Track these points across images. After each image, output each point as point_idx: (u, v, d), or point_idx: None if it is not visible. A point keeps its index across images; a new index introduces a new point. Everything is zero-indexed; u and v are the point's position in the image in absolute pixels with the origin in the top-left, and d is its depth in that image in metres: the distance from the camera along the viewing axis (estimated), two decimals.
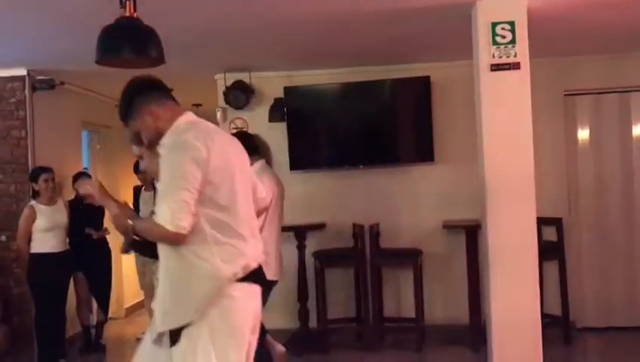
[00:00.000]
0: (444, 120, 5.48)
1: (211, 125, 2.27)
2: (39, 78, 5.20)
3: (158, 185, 2.12)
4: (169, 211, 2.00)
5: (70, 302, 5.23)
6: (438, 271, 5.46)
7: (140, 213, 5.95)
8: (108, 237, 5.59)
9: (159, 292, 2.18)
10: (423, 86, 5.44)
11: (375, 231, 5.11)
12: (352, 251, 5.31)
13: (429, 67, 5.45)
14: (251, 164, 3.81)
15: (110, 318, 5.79)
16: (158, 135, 2.20)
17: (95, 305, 5.58)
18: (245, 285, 2.13)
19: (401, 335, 5.25)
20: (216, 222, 2.09)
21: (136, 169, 5.95)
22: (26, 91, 5.14)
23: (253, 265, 2.16)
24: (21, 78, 5.13)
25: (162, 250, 2.15)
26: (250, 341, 2.18)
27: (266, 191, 2.64)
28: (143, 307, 6.28)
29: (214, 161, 2.08)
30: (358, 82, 5.53)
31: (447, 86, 5.47)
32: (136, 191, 6.10)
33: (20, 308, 5.00)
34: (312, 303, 5.23)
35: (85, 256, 5.26)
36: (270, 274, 3.68)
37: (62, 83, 5.39)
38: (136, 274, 5.98)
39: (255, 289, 2.19)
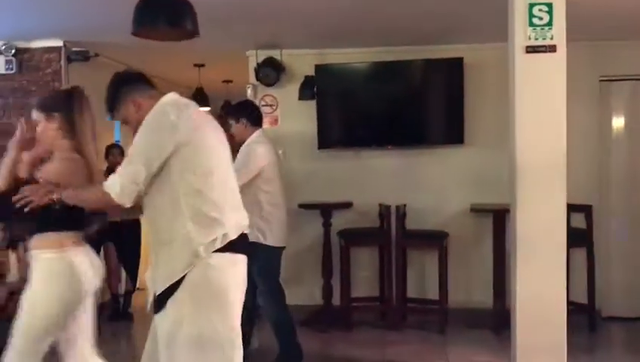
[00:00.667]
0: (476, 102, 5.43)
1: (192, 102, 2.37)
2: (74, 49, 5.27)
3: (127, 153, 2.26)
4: (120, 184, 2.16)
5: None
6: (463, 254, 5.46)
7: None
8: (136, 208, 5.69)
9: (150, 259, 2.31)
10: (455, 67, 5.39)
11: (401, 212, 5.11)
12: (377, 231, 5.32)
13: (462, 48, 5.39)
14: (252, 133, 3.96)
15: (137, 289, 5.91)
16: (139, 123, 2.27)
17: (124, 275, 5.70)
18: (225, 255, 2.19)
19: (424, 317, 5.26)
20: (192, 192, 2.17)
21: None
22: (62, 62, 5.22)
23: (232, 236, 2.21)
24: (57, 49, 5.20)
25: (147, 220, 2.30)
26: (235, 306, 2.23)
27: (258, 160, 2.65)
28: None
29: (189, 133, 2.17)
30: (389, 62, 5.49)
31: (480, 68, 5.40)
32: None
33: None
34: (335, 281, 5.27)
35: (114, 226, 5.38)
36: (272, 241, 3.77)
37: (96, 55, 5.46)
38: None
39: (237, 258, 2.24)
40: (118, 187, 2.16)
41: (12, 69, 5.15)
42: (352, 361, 4.27)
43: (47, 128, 2.62)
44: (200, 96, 7.02)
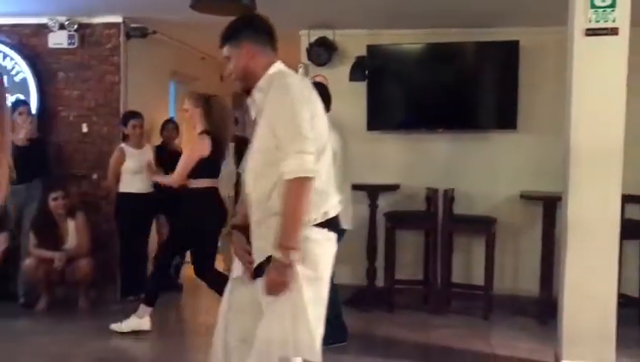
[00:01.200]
0: (531, 87, 5.31)
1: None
2: (133, 25, 5.42)
3: (279, 131, 2.11)
4: (296, 161, 2.06)
5: (152, 241, 5.55)
6: (511, 241, 5.39)
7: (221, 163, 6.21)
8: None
9: (252, 228, 2.26)
10: (510, 50, 5.27)
11: (449, 196, 5.08)
12: (424, 214, 5.30)
13: (518, 31, 5.26)
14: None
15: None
16: (245, 75, 2.26)
17: None
18: (323, 230, 2.19)
19: (469, 302, 5.24)
20: None
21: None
22: (121, 38, 5.36)
23: (332, 213, 2.22)
24: (117, 25, 5.35)
25: (254, 191, 2.21)
26: (322, 281, 2.22)
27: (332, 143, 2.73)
28: (218, 252, 6.55)
29: (311, 106, 2.17)
30: (442, 43, 5.42)
31: (536, 51, 5.27)
32: None
33: (106, 243, 5.32)
34: (380, 262, 5.30)
35: (167, 199, 5.54)
36: (345, 223, 3.80)
37: (154, 32, 5.59)
38: None
39: (331, 236, 2.25)
40: (304, 164, 2.07)
41: (74, 44, 5.33)
42: (395, 342, 4.29)
43: None
44: None
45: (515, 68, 5.28)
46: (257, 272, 2.18)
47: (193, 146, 4.33)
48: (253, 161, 2.23)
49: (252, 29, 2.29)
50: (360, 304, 5.10)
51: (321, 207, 2.17)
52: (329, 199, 2.22)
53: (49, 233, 4.85)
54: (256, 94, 2.25)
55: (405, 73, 5.52)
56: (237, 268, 2.32)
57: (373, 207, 5.26)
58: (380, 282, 5.29)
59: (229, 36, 2.30)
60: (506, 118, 5.36)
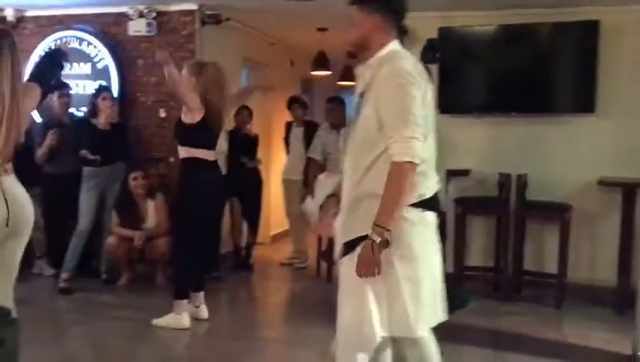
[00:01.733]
0: (611, 69, 5.08)
1: None
2: (208, 12, 5.56)
3: (387, 114, 2.13)
4: (405, 145, 2.09)
5: (225, 223, 5.74)
6: (587, 228, 5.20)
7: (290, 147, 6.33)
8: (260, 167, 6.00)
9: (344, 206, 2.30)
10: (589, 31, 5.06)
11: (522, 182, 4.96)
12: (495, 200, 5.21)
13: (598, 10, 5.04)
14: None
15: (258, 243, 6.25)
16: (361, 44, 2.27)
17: (246, 229, 6.04)
18: (417, 210, 2.20)
19: (541, 290, 5.12)
20: None
21: (290, 105, 6.27)
22: (196, 25, 5.52)
23: (428, 194, 2.24)
24: (192, 13, 5.50)
25: (351, 171, 2.26)
26: (420, 262, 2.21)
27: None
28: (287, 236, 6.70)
29: (421, 91, 2.16)
30: (517, 25, 5.27)
31: (619, 32, 5.03)
32: (288, 127, 6.45)
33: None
34: (449, 248, 5.25)
35: (240, 182, 5.70)
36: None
37: (227, 19, 5.72)
38: (284, 205, 6.39)
39: (427, 216, 2.24)
40: (412, 150, 2.10)
41: (152, 32, 5.54)
42: (464, 329, 4.26)
43: None
44: (321, 60, 7.16)
45: (594, 49, 5.06)
46: (346, 250, 2.23)
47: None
48: (354, 138, 2.26)
49: (386, 3, 2.28)
50: None
51: (418, 188, 2.19)
52: (427, 180, 2.23)
53: (130, 213, 5.10)
54: (366, 71, 2.25)
55: (478, 56, 5.40)
56: (338, 247, 2.35)
57: (443, 193, 5.21)
58: (449, 268, 5.24)
59: (363, 0, 2.28)
60: (583, 102, 5.16)
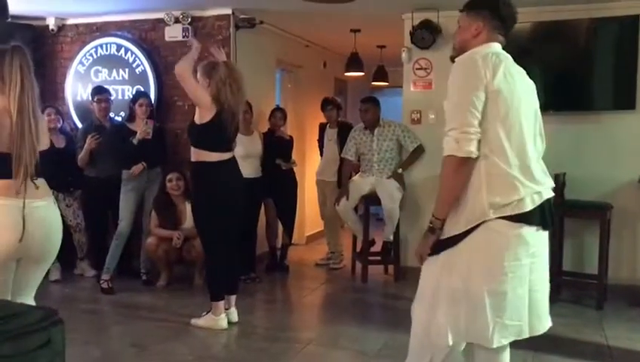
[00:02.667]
0: None
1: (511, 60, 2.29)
2: (242, 17, 5.63)
3: (445, 107, 2.22)
4: (454, 139, 2.13)
5: (261, 224, 5.79)
6: (628, 228, 5.08)
7: (324, 149, 6.35)
8: (295, 168, 6.03)
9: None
10: (629, 26, 4.94)
11: (561, 181, 4.87)
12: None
13: (638, 5, 4.92)
14: None
15: (293, 243, 6.29)
16: (461, 48, 2.31)
17: (281, 229, 6.09)
18: (508, 223, 2.12)
19: (580, 291, 5.02)
20: (495, 149, 2.14)
21: (324, 107, 6.30)
22: (231, 29, 5.59)
23: (529, 204, 2.13)
24: (226, 17, 5.58)
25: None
26: (519, 276, 2.16)
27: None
28: (322, 237, 6.73)
29: (497, 86, 2.13)
30: (553, 21, 5.17)
31: None
32: (322, 128, 6.48)
33: None
34: None
35: (275, 183, 5.75)
36: None
37: (261, 22, 5.78)
38: (318, 206, 6.42)
39: (524, 230, 2.14)
40: (458, 143, 2.13)
41: (188, 36, 5.63)
42: None
43: None
44: (355, 61, 7.16)
45: (634, 45, 4.94)
46: (436, 248, 2.27)
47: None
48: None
49: (492, 11, 2.29)
50: None
51: (509, 196, 2.11)
52: (523, 188, 2.13)
53: (168, 214, 5.19)
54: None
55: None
56: None
57: None
58: None
59: (470, 7, 2.33)
60: (623, 98, 5.04)
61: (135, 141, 5.04)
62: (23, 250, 2.54)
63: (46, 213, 2.61)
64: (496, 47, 2.28)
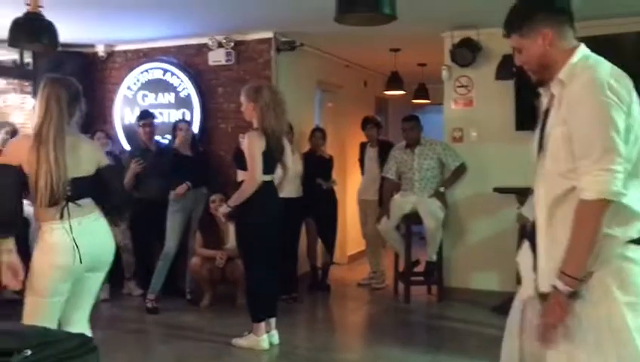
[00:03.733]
0: None
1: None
2: (283, 39, 5.73)
3: (580, 138, 1.79)
4: (601, 180, 1.74)
5: (302, 244, 5.82)
6: None
7: (365, 168, 6.36)
8: (335, 188, 6.06)
9: (540, 242, 1.95)
10: None
11: None
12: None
13: None
14: None
15: (334, 263, 6.29)
16: (543, 65, 1.94)
17: (322, 249, 6.10)
18: None
19: None
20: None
21: (364, 126, 6.32)
22: (272, 52, 5.70)
23: None
24: (268, 41, 5.69)
25: (540, 194, 1.96)
26: None
27: None
28: (364, 256, 6.71)
29: (626, 107, 1.78)
30: (601, 35, 5.02)
31: None
32: (362, 148, 6.50)
33: None
34: None
35: (316, 203, 5.78)
36: None
37: (301, 44, 5.87)
38: (359, 225, 6.41)
39: None
40: (610, 185, 1.75)
41: (231, 60, 5.76)
42: None
43: None
44: (395, 80, 7.18)
45: None
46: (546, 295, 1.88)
47: (248, 145, 3.98)
48: (544, 165, 1.95)
49: (548, 9, 1.93)
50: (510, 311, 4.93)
51: (630, 225, 1.81)
52: None
53: (212, 234, 5.28)
54: (555, 87, 1.91)
55: None
56: (529, 286, 2.02)
57: None
58: None
59: (519, 24, 1.95)
60: None
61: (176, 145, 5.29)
62: (77, 266, 2.67)
63: (94, 225, 2.74)
64: (583, 47, 1.93)
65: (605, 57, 5.15)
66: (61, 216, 2.64)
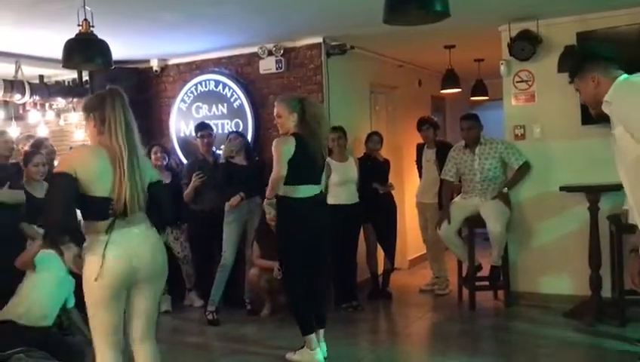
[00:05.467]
0: None
1: None
2: (333, 44, 5.64)
3: (630, 123, 2.36)
4: None
5: (361, 250, 5.70)
6: None
7: (423, 170, 6.18)
8: (393, 192, 5.91)
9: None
10: None
11: None
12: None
13: None
14: None
15: (395, 268, 6.13)
16: (595, 102, 2.53)
17: (382, 255, 5.96)
18: None
19: None
20: None
21: (420, 127, 6.14)
22: (322, 57, 5.61)
23: None
24: (317, 46, 5.61)
25: (631, 201, 2.52)
26: None
27: None
28: (425, 260, 6.52)
29: None
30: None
31: None
32: (419, 149, 6.31)
33: None
34: (605, 271, 4.78)
35: (373, 208, 5.65)
36: None
37: (352, 47, 5.76)
38: (419, 229, 6.23)
39: None
40: None
41: (281, 68, 5.72)
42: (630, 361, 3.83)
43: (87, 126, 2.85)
44: (451, 78, 6.96)
45: None
46: None
47: (275, 148, 3.93)
48: (625, 176, 2.47)
49: (591, 60, 2.57)
50: (584, 317, 4.65)
51: None
52: None
53: (268, 244, 5.23)
54: (605, 108, 2.48)
55: (625, 58, 4.88)
56: None
57: (594, 210, 4.77)
58: (606, 292, 4.78)
59: (574, 72, 2.62)
60: None
61: (222, 160, 5.24)
62: (129, 276, 2.65)
63: (145, 235, 2.72)
64: (622, 73, 2.50)
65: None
66: (110, 229, 2.63)
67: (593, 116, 2.60)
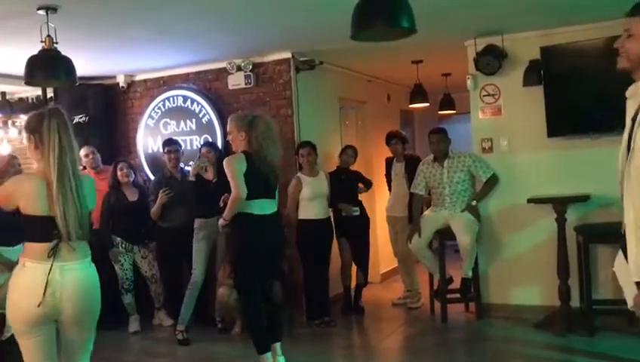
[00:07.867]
0: None
1: None
2: (302, 59, 5.65)
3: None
4: None
5: (334, 265, 5.66)
6: None
7: (392, 184, 6.20)
8: (363, 208, 5.89)
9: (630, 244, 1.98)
10: None
11: None
12: (621, 226, 4.74)
13: None
14: None
15: (368, 283, 6.11)
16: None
17: (354, 269, 5.93)
18: None
19: None
20: None
21: (389, 141, 6.17)
22: (291, 72, 5.61)
23: None
24: (286, 61, 5.61)
25: (628, 201, 2.00)
26: None
27: None
28: (397, 274, 6.53)
29: None
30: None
31: None
32: (389, 163, 6.34)
33: (290, 267, 5.51)
34: (573, 281, 4.85)
35: (346, 223, 5.64)
36: None
37: (321, 63, 5.78)
38: (390, 242, 6.24)
39: None
40: None
41: (250, 83, 5.70)
42: None
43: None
44: (419, 92, 7.02)
45: None
46: None
47: (227, 166, 3.92)
48: (630, 172, 1.98)
49: None
50: (555, 327, 4.70)
51: None
52: None
53: None
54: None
55: (588, 72, 5.01)
56: (629, 298, 2.06)
57: (561, 221, 4.85)
58: (574, 302, 4.84)
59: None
60: None
61: (191, 178, 5.11)
62: (52, 312, 2.52)
63: (79, 274, 2.58)
64: None
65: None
66: (48, 257, 2.51)
67: (617, 68, 2.08)
